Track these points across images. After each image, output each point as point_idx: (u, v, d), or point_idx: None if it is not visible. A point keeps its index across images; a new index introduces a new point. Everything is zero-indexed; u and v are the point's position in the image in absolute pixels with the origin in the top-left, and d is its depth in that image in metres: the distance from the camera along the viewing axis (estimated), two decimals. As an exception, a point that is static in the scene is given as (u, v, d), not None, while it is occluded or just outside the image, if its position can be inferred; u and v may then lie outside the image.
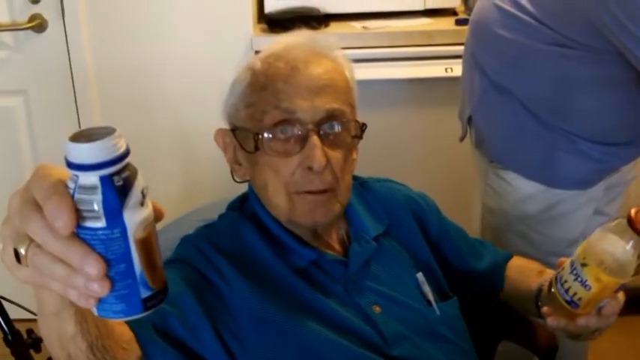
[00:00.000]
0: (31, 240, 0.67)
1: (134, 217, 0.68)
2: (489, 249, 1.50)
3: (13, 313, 1.63)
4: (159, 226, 0.73)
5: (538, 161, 1.68)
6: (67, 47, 2.46)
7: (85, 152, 0.65)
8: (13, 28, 2.45)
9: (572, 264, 1.12)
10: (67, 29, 2.45)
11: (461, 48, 1.85)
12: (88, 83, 2.50)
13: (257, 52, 1.30)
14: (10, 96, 2.55)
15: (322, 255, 1.24)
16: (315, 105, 1.16)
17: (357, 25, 2.49)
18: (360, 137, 1.23)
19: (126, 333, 0.94)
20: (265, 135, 1.17)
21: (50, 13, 2.44)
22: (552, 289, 1.16)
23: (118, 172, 0.67)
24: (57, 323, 0.81)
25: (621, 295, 1.16)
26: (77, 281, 0.66)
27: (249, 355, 1.13)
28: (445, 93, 2.39)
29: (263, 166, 1.20)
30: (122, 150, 0.67)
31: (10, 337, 1.61)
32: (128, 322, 0.96)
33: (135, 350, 0.97)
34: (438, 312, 1.28)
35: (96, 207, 0.66)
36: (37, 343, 1.62)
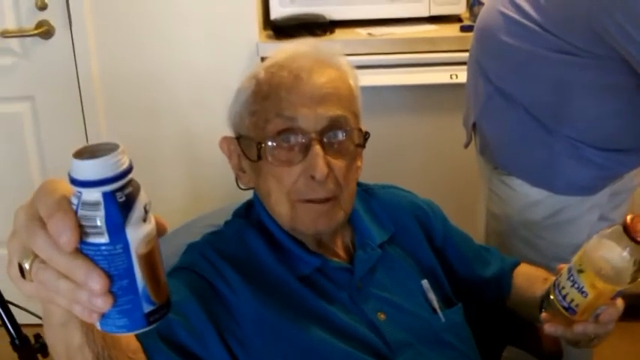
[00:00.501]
0: (36, 255, 0.68)
1: (137, 233, 0.69)
2: (495, 256, 1.51)
3: (21, 318, 1.64)
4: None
5: (542, 167, 1.68)
6: (74, 53, 2.48)
7: (88, 169, 0.66)
8: (20, 34, 2.47)
9: (569, 270, 1.13)
10: (73, 35, 2.47)
11: (466, 54, 1.85)
12: (94, 89, 2.52)
13: (263, 59, 1.31)
14: (17, 102, 2.57)
15: (327, 262, 1.24)
16: (317, 113, 1.16)
17: (362, 32, 2.51)
18: (363, 146, 1.24)
19: (132, 343, 0.94)
20: (268, 143, 1.17)
21: (57, 20, 2.46)
22: (551, 296, 1.17)
23: (121, 189, 0.67)
24: (63, 333, 0.82)
25: (620, 303, 1.16)
26: (81, 296, 0.67)
27: None
28: (450, 99, 2.40)
29: (266, 175, 1.20)
30: (125, 166, 0.68)
31: (17, 342, 1.61)
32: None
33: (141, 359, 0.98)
34: (443, 319, 1.29)
35: (99, 223, 0.67)
36: (44, 348, 1.62)
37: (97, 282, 0.66)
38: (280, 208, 1.21)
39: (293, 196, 1.19)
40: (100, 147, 0.69)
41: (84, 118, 2.55)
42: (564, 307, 1.13)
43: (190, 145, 2.57)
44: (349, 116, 1.20)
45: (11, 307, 1.62)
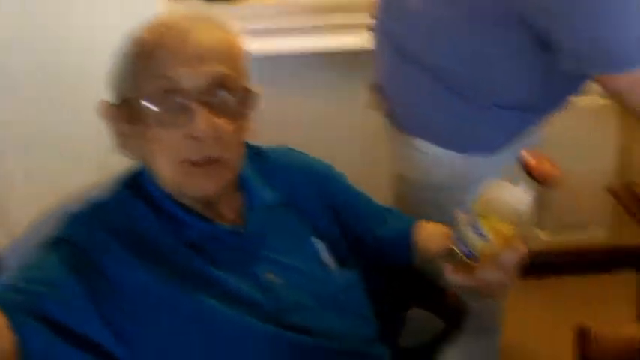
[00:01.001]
0: None
1: None
2: (396, 216, 1.49)
3: None
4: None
5: (449, 128, 1.69)
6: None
7: None
8: None
9: (468, 216, 1.10)
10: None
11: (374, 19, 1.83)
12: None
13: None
14: None
15: (216, 227, 1.22)
16: (200, 72, 1.13)
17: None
18: (251, 106, 1.21)
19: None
20: (149, 105, 1.13)
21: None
22: (451, 246, 1.13)
23: None
24: None
25: (521, 246, 1.12)
26: None
27: (141, 334, 1.11)
28: (358, 64, 2.37)
29: (149, 138, 1.16)
30: None
31: None
32: (3, 308, 0.94)
33: (7, 336, 0.94)
34: (338, 280, 1.28)
35: None
36: None
37: None
38: (165, 172, 1.17)
39: (177, 158, 1.15)
40: None
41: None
42: (466, 255, 1.10)
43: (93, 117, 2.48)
44: (234, 75, 1.17)
45: None
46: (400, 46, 1.67)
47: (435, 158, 1.73)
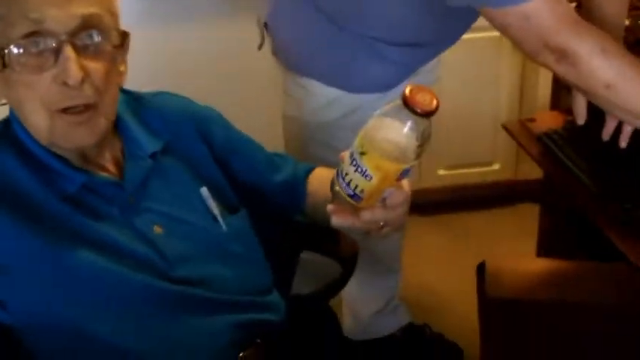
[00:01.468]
0: None
1: None
2: (288, 162, 1.45)
3: None
4: None
5: (335, 66, 1.64)
6: None
7: None
8: None
9: (351, 155, 1.03)
10: None
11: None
12: None
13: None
14: None
15: (93, 178, 1.15)
16: (68, 12, 1.05)
17: None
18: (123, 47, 1.14)
19: None
20: (13, 50, 1.05)
21: None
22: (336, 187, 1.07)
23: None
24: None
25: (406, 184, 1.09)
26: None
27: (19, 295, 1.07)
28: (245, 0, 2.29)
29: (16, 84, 1.08)
30: None
31: None
32: None
33: None
34: (225, 227, 1.24)
35: None
36: None
37: None
38: (35, 120, 1.10)
39: (48, 105, 1.08)
40: None
41: None
42: (349, 195, 1.04)
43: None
44: (105, 14, 1.09)
45: None
46: None
47: (321, 97, 1.69)
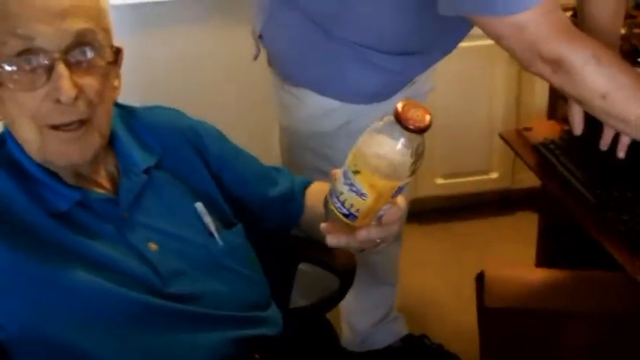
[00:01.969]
0: None
1: None
2: (285, 176, 1.44)
3: None
4: None
5: (329, 76, 1.64)
6: None
7: None
8: None
9: (344, 173, 1.01)
10: None
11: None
12: None
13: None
14: None
15: (87, 194, 1.15)
16: (60, 29, 1.04)
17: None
18: (117, 63, 1.14)
19: None
20: (6, 68, 1.04)
21: None
22: (330, 205, 1.06)
23: None
24: None
25: (401, 200, 1.08)
26: None
27: (13, 314, 1.06)
28: (238, 10, 2.29)
29: (8, 102, 1.07)
30: None
31: None
32: None
33: None
34: (220, 243, 1.23)
35: None
36: None
37: None
38: (28, 137, 1.09)
39: (40, 121, 1.07)
40: None
41: None
42: (344, 215, 1.03)
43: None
44: (97, 31, 1.09)
45: None
46: None
47: (315, 107, 1.68)
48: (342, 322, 2.11)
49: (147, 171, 1.22)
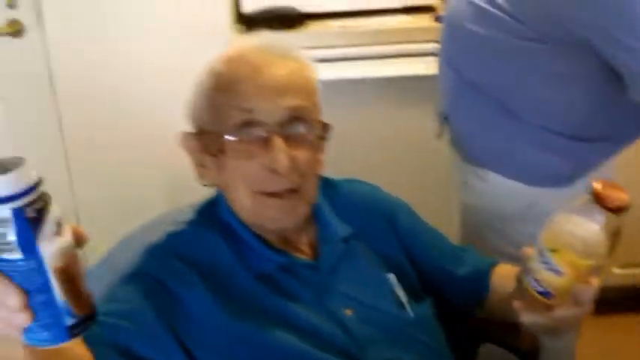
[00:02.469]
0: None
1: (50, 247, 0.69)
2: (472, 255, 1.45)
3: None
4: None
5: (514, 159, 1.65)
6: (46, 52, 2.43)
7: None
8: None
9: (540, 252, 1.03)
10: (45, 34, 2.41)
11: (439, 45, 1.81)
12: (68, 88, 2.46)
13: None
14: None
15: (292, 259, 1.22)
16: (277, 105, 1.14)
17: (334, 24, 2.47)
18: (325, 138, 1.21)
19: (78, 351, 0.92)
20: (228, 137, 1.15)
21: (27, 18, 2.40)
22: (523, 284, 1.07)
23: (30, 204, 0.67)
24: (4, 347, 0.82)
25: (595, 280, 1.07)
26: (1, 313, 0.68)
27: None
28: (424, 91, 2.34)
29: (228, 169, 1.18)
30: (33, 181, 0.68)
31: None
32: (87, 342, 0.94)
33: None
34: (411, 314, 1.26)
35: (10, 239, 0.67)
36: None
37: (13, 298, 0.67)
38: (242, 202, 1.19)
39: (255, 188, 1.16)
40: (4, 162, 0.68)
41: (60, 121, 2.50)
42: (540, 293, 1.04)
43: (164, 142, 2.52)
44: (310, 107, 1.18)
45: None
46: (462, 71, 1.65)
47: (500, 188, 1.69)
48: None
49: (345, 240, 1.28)
